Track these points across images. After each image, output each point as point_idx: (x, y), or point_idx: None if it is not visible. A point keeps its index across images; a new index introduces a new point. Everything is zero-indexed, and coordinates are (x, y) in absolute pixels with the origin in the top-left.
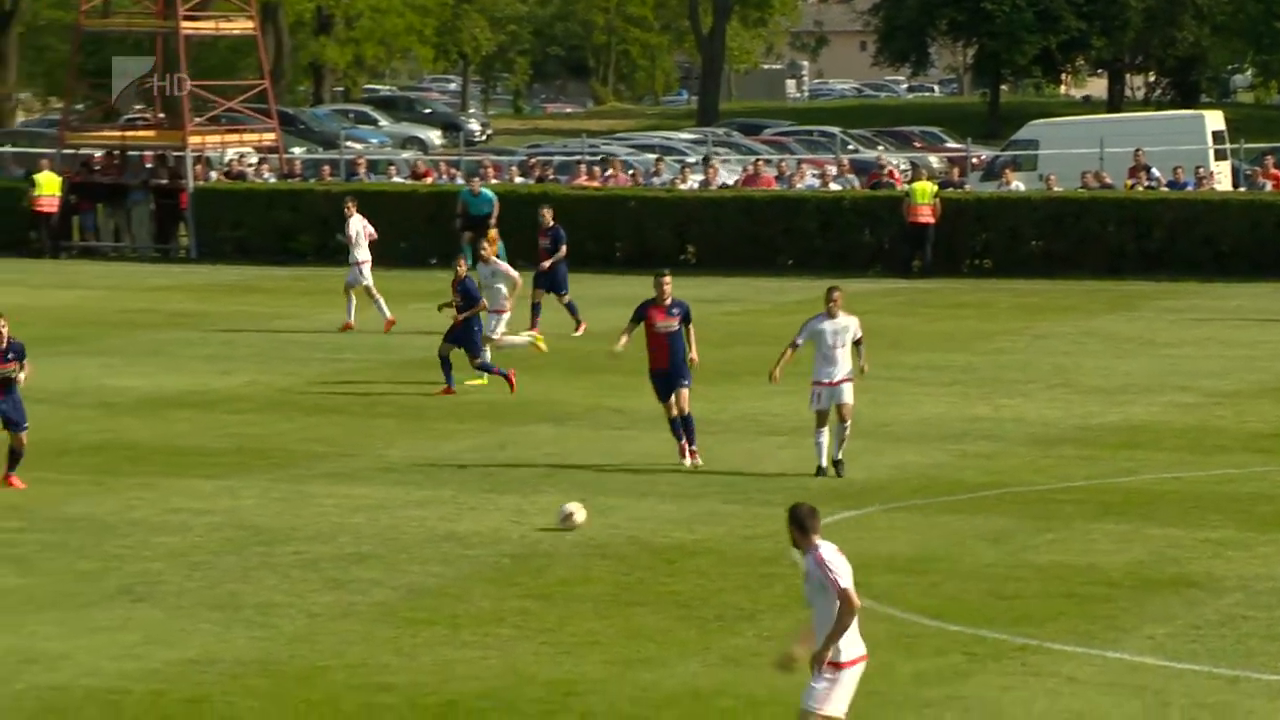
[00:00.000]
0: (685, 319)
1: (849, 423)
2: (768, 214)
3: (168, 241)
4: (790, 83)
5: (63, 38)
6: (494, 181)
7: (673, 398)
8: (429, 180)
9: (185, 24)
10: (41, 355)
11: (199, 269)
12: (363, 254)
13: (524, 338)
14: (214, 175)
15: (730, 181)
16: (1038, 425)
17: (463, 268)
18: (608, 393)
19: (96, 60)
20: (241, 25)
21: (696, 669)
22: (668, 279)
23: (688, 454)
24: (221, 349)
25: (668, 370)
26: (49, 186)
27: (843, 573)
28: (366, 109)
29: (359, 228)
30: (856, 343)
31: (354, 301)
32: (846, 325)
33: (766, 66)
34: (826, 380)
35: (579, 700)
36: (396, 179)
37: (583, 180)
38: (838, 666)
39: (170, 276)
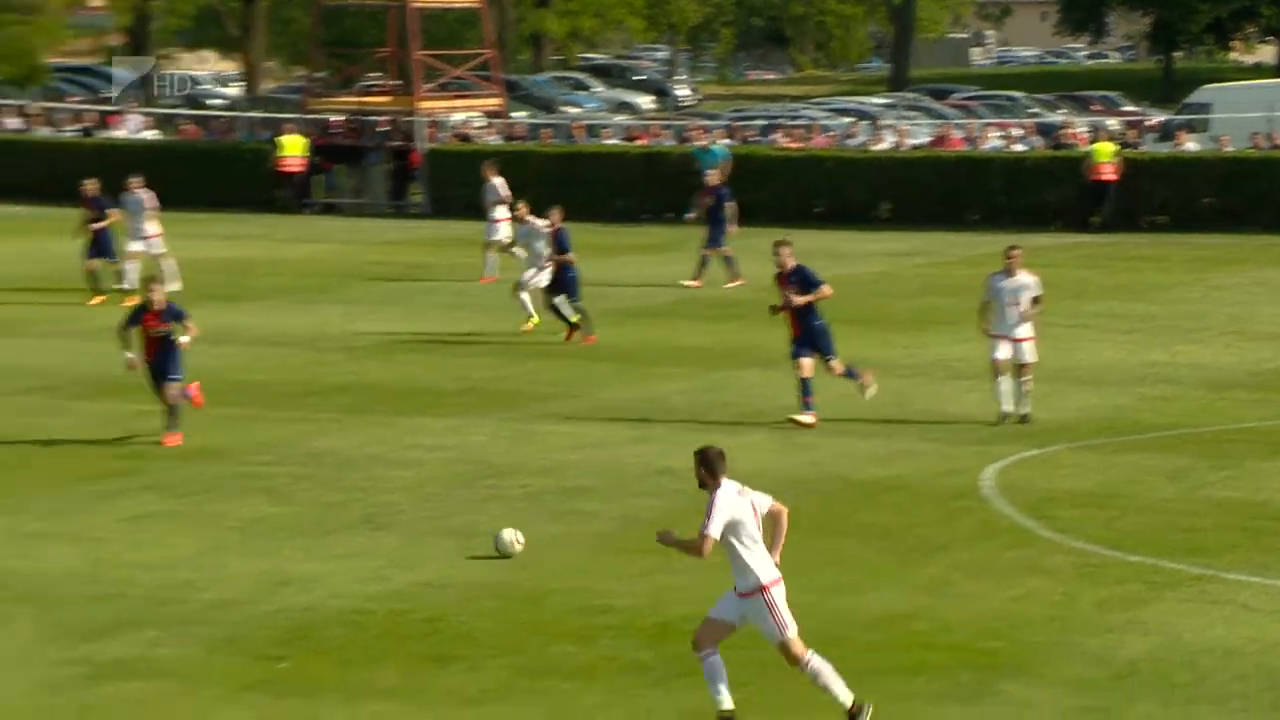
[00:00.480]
0: (804, 286)
1: (1028, 379)
2: (956, 173)
3: (402, 199)
4: (975, 50)
5: (305, 10)
6: (699, 143)
7: (805, 360)
8: (641, 142)
9: None
10: (289, 303)
11: (431, 224)
12: (501, 213)
13: (529, 310)
14: (444, 137)
15: (921, 143)
16: (1212, 370)
17: (557, 218)
18: None
19: (336, 31)
20: None
21: (894, 595)
22: (782, 246)
23: (807, 415)
24: (453, 298)
25: (800, 338)
26: (292, 148)
27: (715, 523)
28: (582, 76)
29: (500, 190)
30: (1035, 300)
31: (494, 258)
32: (1025, 284)
33: (953, 35)
34: (1005, 335)
35: None
36: (610, 141)
37: (783, 142)
38: (763, 590)
39: (404, 231)
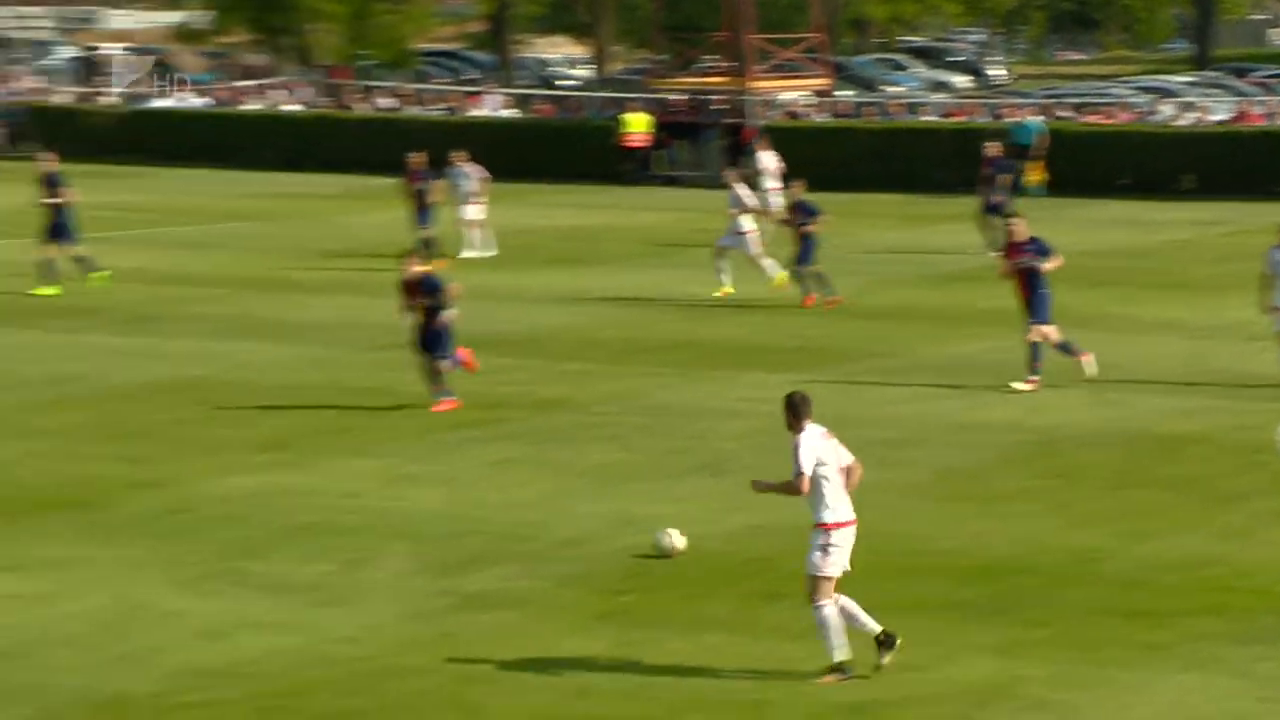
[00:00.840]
0: (1041, 254)
1: None
2: (1256, 147)
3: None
4: (1274, 31)
5: None
6: (1016, 119)
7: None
8: (956, 119)
9: None
10: (632, 267)
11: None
12: (772, 183)
13: (725, 280)
14: (774, 115)
15: (1222, 119)
16: None
17: (799, 190)
18: (1115, 302)
19: (677, 17)
20: None
21: (1193, 542)
22: (1011, 223)
23: (1083, 362)
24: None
25: (1028, 301)
26: (636, 125)
27: (805, 460)
28: (902, 57)
29: (770, 162)
30: None
31: (770, 228)
32: None
33: (1253, 17)
34: None
35: (1091, 565)
36: (927, 118)
37: (1091, 118)
38: (825, 527)
39: None
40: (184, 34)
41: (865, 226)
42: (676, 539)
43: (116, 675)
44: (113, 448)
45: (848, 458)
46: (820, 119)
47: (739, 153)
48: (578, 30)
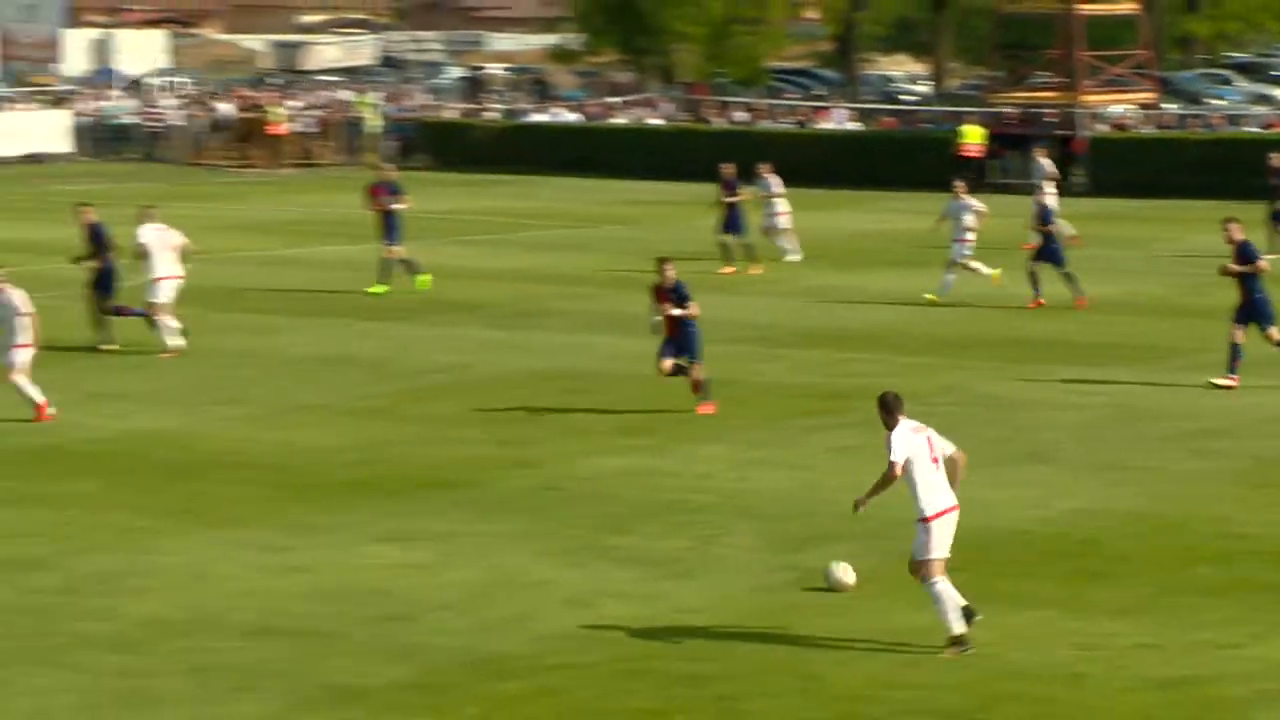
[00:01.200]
0: (1245, 259)
1: None
2: None
3: (1065, 179)
4: None
5: (985, 18)
6: None
7: (1242, 329)
8: (1277, 130)
9: (1081, 5)
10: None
11: (1090, 201)
12: (1049, 189)
13: (985, 270)
14: (1102, 127)
15: None
16: None
17: (1043, 195)
18: None
19: (1011, 36)
20: (1127, 6)
21: None
22: (1230, 224)
23: (1227, 379)
24: (1104, 264)
25: (1242, 307)
26: (971, 136)
27: (898, 451)
28: (1225, 72)
29: (1048, 168)
30: None
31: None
32: None
33: None
34: None
35: None
36: (1249, 129)
37: None
38: (925, 521)
39: (1067, 207)
40: (558, 55)
41: (1187, 231)
42: (845, 574)
43: (491, 638)
44: (487, 431)
45: (948, 448)
46: (1146, 131)
47: (1069, 162)
48: (918, 49)
